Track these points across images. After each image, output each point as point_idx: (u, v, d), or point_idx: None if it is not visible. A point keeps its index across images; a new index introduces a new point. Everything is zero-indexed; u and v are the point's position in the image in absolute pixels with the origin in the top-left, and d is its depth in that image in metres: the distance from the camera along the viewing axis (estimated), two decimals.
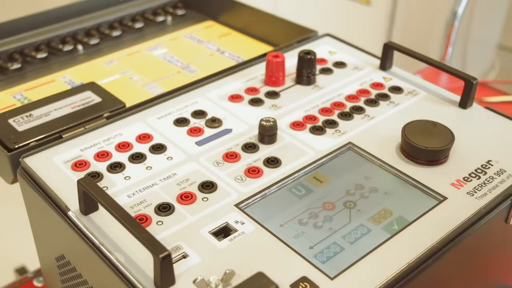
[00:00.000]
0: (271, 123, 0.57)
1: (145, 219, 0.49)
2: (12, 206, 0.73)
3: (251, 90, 0.65)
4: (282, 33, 0.78)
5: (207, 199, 0.51)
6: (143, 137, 0.58)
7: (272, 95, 0.65)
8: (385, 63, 0.69)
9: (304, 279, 0.44)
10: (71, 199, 0.50)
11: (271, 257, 0.46)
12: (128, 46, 0.79)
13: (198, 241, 0.47)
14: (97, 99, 0.64)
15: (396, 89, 0.66)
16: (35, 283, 0.78)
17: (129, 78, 0.72)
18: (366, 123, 0.61)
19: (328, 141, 0.58)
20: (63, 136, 0.58)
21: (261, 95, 0.65)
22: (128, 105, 0.63)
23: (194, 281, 0.43)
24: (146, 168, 0.54)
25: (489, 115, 0.62)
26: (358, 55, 0.72)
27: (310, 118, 0.61)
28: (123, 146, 0.57)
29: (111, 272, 0.45)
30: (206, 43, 0.80)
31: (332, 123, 0.60)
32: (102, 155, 0.56)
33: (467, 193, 0.52)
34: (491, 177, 0.54)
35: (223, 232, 0.48)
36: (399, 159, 0.56)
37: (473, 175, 0.54)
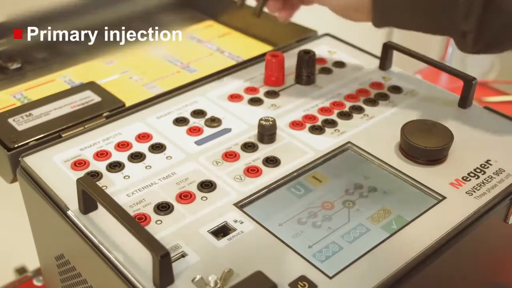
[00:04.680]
0: (271, 122, 0.57)
1: (144, 218, 0.49)
2: (11, 206, 0.73)
3: (251, 89, 0.65)
4: (281, 33, 0.78)
5: (206, 198, 0.51)
6: (143, 137, 0.58)
7: (272, 94, 0.65)
8: (384, 63, 0.69)
9: (302, 278, 0.44)
10: (70, 198, 0.50)
11: (270, 256, 0.46)
12: (128, 46, 0.79)
13: (197, 240, 0.47)
14: (96, 98, 0.64)
15: (396, 89, 0.66)
16: (35, 282, 0.78)
17: (128, 77, 0.72)
18: (366, 123, 0.61)
19: (327, 141, 0.58)
20: (63, 135, 0.58)
21: (260, 95, 0.65)
22: (127, 104, 0.63)
23: (193, 280, 0.43)
24: (146, 167, 0.55)
25: (488, 115, 0.62)
26: (358, 55, 0.73)
27: (310, 117, 0.61)
28: (122, 146, 0.57)
29: (110, 271, 0.45)
30: (206, 42, 0.80)
31: (331, 123, 0.60)
32: (101, 155, 0.56)
33: (466, 192, 0.52)
34: (490, 177, 0.54)
35: (222, 231, 0.48)
36: (398, 158, 0.56)
37: (472, 174, 0.54)
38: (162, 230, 0.48)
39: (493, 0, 0.49)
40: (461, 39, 0.53)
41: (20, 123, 0.60)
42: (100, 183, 0.52)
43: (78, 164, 0.54)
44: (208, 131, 0.59)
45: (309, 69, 0.66)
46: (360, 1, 0.56)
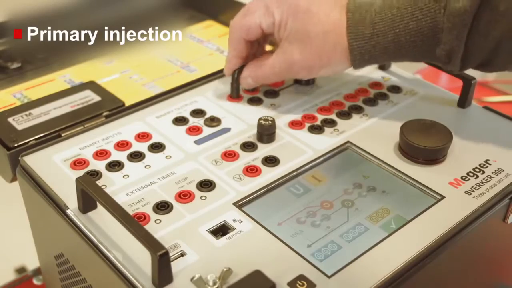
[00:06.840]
0: (270, 122, 0.57)
1: (143, 217, 0.49)
2: (11, 205, 0.74)
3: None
4: None
5: (206, 197, 0.51)
6: (142, 136, 0.58)
7: (271, 94, 0.65)
8: None
9: (301, 277, 0.44)
10: (70, 198, 0.50)
11: (268, 256, 0.46)
12: (127, 45, 0.79)
13: (196, 240, 0.47)
14: (96, 98, 0.64)
15: (395, 89, 0.66)
16: (35, 281, 0.78)
17: (128, 77, 0.72)
18: (365, 122, 0.61)
19: (327, 140, 0.58)
20: (62, 134, 0.58)
21: (260, 94, 0.65)
22: (127, 104, 0.63)
23: (191, 279, 0.43)
24: (145, 166, 0.55)
25: (487, 114, 0.62)
26: None
27: (309, 117, 0.61)
28: (122, 145, 0.57)
29: (109, 270, 0.45)
30: (206, 42, 0.80)
31: (330, 122, 0.60)
32: (101, 154, 0.56)
33: (465, 192, 0.52)
34: (489, 176, 0.54)
35: (221, 230, 0.48)
36: (397, 158, 0.56)
37: (471, 174, 0.54)
38: (161, 229, 0.48)
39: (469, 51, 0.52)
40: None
41: (20, 123, 0.60)
42: (100, 183, 0.53)
43: (78, 163, 0.54)
44: (207, 131, 0.59)
45: None
46: (340, 68, 0.59)
